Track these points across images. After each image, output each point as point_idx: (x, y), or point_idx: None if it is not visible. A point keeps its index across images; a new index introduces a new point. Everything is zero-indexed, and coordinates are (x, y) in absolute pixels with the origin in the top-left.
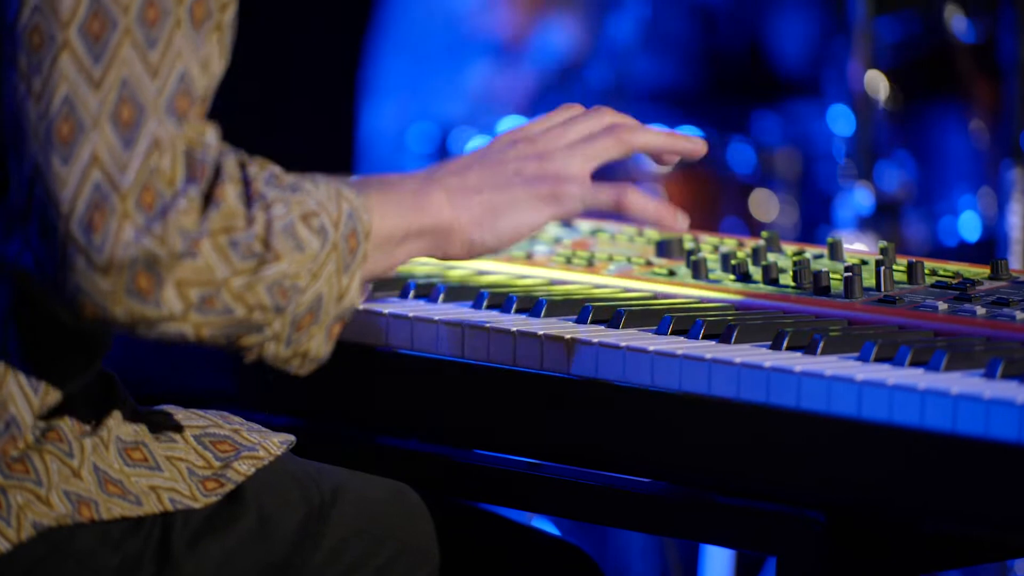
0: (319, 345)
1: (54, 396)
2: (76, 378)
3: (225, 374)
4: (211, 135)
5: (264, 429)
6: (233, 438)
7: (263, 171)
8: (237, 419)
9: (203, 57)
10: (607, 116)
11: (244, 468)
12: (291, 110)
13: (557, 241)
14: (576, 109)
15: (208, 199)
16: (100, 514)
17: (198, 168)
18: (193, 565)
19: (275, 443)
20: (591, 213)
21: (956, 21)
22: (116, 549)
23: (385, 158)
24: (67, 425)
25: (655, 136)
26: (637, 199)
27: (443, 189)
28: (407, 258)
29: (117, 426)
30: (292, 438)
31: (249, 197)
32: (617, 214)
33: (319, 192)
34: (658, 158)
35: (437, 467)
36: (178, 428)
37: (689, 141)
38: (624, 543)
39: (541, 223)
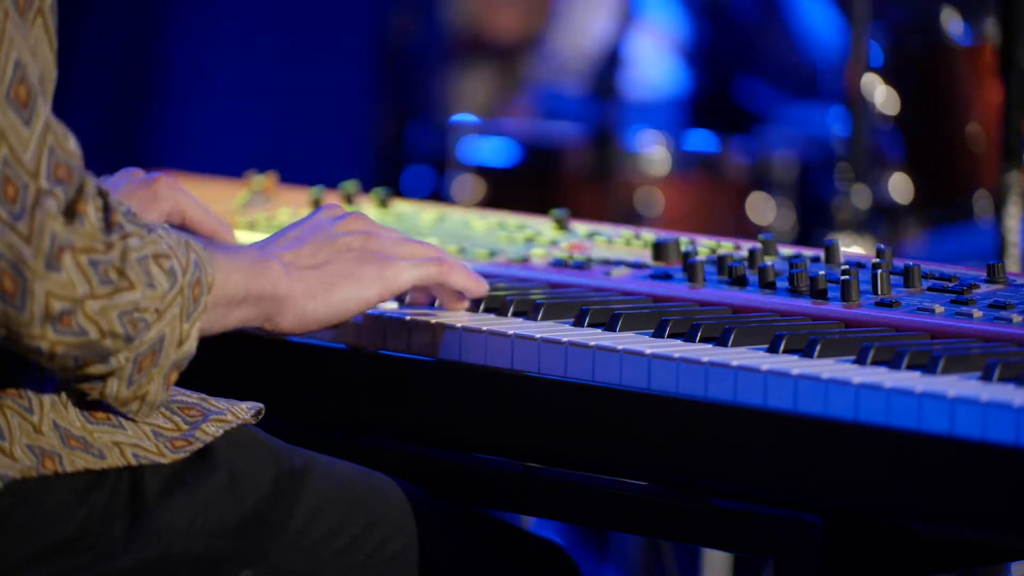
0: (157, 389)
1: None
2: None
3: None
4: (73, 143)
5: (231, 399)
6: (201, 405)
7: (121, 205)
8: (202, 393)
9: (31, 45)
10: (421, 248)
11: (212, 430)
12: (293, 114)
13: (554, 244)
14: (339, 211)
15: (71, 212)
16: (64, 467)
17: (63, 170)
18: (166, 515)
19: (243, 409)
20: (587, 215)
21: (953, 24)
22: (82, 501)
23: (385, 159)
24: (26, 382)
25: (465, 281)
26: (456, 271)
27: (279, 261)
28: (239, 324)
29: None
30: (260, 406)
31: (108, 223)
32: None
33: (170, 238)
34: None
35: (432, 468)
36: None
37: (479, 288)
38: (622, 547)
39: (372, 298)
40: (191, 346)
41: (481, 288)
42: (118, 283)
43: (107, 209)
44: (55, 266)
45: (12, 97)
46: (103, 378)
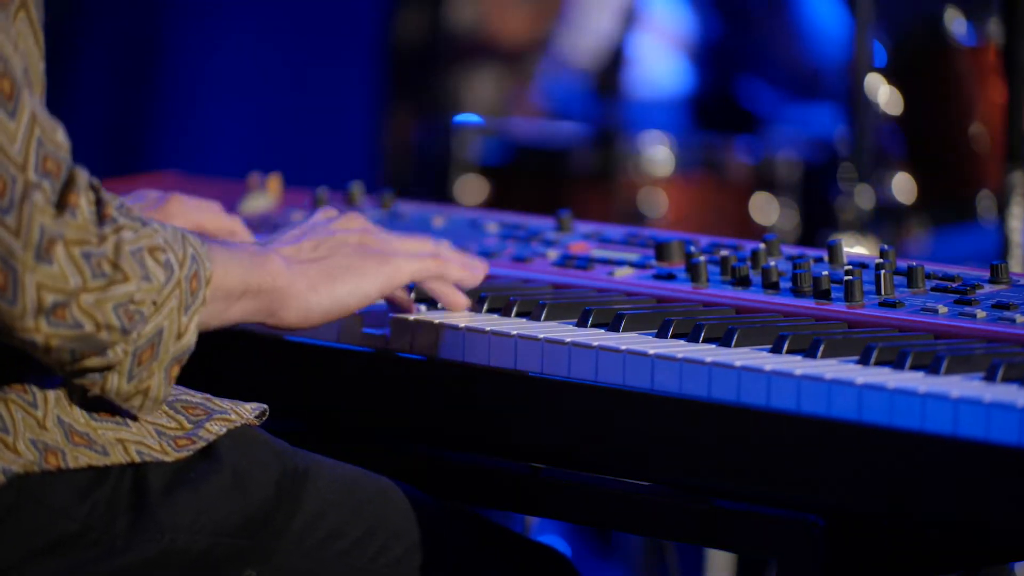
0: (159, 384)
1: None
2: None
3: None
4: (62, 135)
5: (235, 400)
6: (205, 404)
7: (114, 199)
8: (207, 394)
9: (13, 38)
10: (418, 243)
11: (216, 428)
12: (298, 115)
13: (558, 244)
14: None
15: (62, 204)
16: (67, 463)
17: (52, 163)
18: (169, 512)
19: (247, 409)
20: (591, 215)
21: (956, 24)
22: (85, 498)
23: (390, 160)
24: (30, 378)
25: (460, 274)
26: (452, 266)
27: (279, 256)
28: (241, 319)
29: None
30: (264, 407)
31: (102, 216)
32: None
33: (166, 232)
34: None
35: (435, 469)
36: None
37: (475, 279)
38: (625, 547)
39: (373, 292)
40: (190, 339)
41: (477, 278)
42: (112, 275)
43: (100, 202)
44: (46, 258)
45: None
46: (102, 372)
